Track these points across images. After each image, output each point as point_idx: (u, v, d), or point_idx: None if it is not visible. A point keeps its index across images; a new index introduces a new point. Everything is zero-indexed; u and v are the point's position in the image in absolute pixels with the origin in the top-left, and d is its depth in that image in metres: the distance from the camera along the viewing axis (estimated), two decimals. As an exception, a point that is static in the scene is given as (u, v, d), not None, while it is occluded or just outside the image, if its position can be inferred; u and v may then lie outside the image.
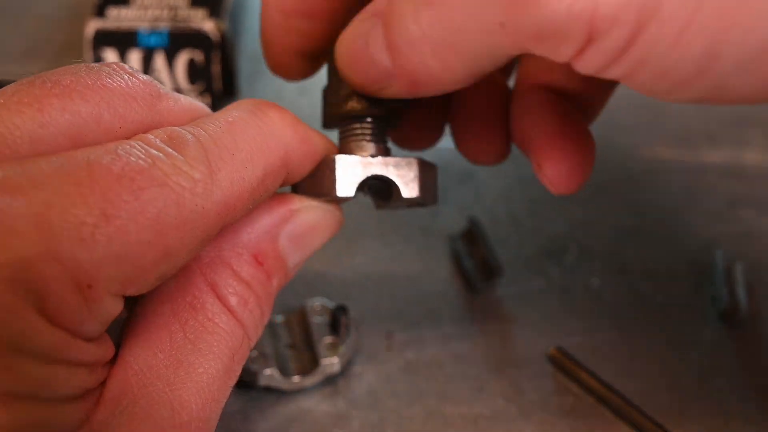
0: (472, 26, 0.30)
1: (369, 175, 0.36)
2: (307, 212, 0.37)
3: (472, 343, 0.45)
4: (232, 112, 0.34)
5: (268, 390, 0.42)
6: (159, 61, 0.54)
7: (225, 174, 0.31)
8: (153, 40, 0.54)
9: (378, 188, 0.38)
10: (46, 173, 0.27)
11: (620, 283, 0.48)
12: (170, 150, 0.30)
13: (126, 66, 0.32)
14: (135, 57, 0.54)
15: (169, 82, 0.54)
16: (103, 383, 0.30)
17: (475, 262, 0.49)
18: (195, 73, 0.54)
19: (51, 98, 0.30)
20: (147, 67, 0.54)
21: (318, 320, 0.44)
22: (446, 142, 0.57)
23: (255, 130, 0.33)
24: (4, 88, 0.30)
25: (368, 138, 0.38)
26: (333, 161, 0.36)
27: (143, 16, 0.54)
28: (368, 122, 0.38)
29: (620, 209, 0.52)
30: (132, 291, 0.29)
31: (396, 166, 0.37)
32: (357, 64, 0.35)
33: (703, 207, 0.52)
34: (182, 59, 0.54)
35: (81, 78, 0.31)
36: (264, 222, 0.36)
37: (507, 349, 0.45)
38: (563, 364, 0.43)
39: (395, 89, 0.35)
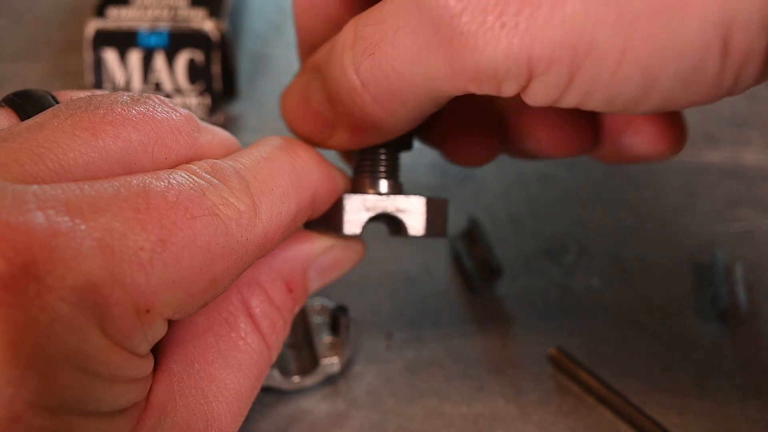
0: (412, 74, 0.31)
1: (375, 214, 0.37)
2: (337, 250, 0.38)
3: (472, 343, 0.45)
4: (264, 148, 0.35)
5: (268, 390, 0.42)
6: (159, 61, 0.54)
7: (266, 208, 0.32)
8: (153, 40, 0.54)
9: (389, 221, 0.39)
10: (104, 198, 0.27)
11: (620, 283, 0.48)
12: (216, 181, 0.31)
13: (167, 100, 0.33)
14: (135, 57, 0.54)
15: (169, 82, 0.54)
16: (148, 390, 0.31)
17: (475, 262, 0.49)
18: (195, 73, 0.54)
19: (105, 125, 0.30)
20: (147, 67, 0.54)
21: (318, 320, 0.44)
22: (446, 142, 0.57)
23: (289, 168, 0.35)
24: (56, 109, 0.31)
25: (381, 174, 0.39)
26: (341, 200, 0.37)
27: (143, 16, 0.54)
28: (382, 155, 0.39)
29: (620, 209, 0.52)
30: (179, 316, 0.30)
31: (403, 204, 0.38)
32: (300, 117, 0.37)
33: (703, 207, 0.52)
34: (182, 59, 0.54)
35: (132, 108, 0.31)
36: (299, 253, 0.37)
37: (507, 349, 0.45)
38: (563, 364, 0.43)
39: (338, 139, 0.36)
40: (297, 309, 0.38)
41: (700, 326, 0.46)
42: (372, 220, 0.38)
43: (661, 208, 0.52)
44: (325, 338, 0.43)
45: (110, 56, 0.54)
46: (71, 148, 0.29)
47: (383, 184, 0.39)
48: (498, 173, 0.54)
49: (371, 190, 0.39)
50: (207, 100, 0.55)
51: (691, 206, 0.52)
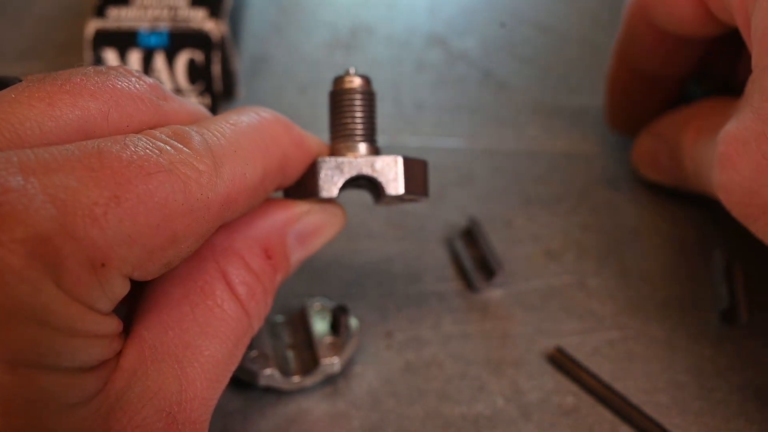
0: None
1: (351, 176, 0.38)
2: (315, 214, 0.38)
3: (472, 343, 0.45)
4: (232, 115, 0.36)
5: (268, 390, 0.42)
6: (159, 61, 0.54)
7: (228, 169, 0.32)
8: (153, 40, 0.54)
9: (369, 185, 0.39)
10: (57, 159, 0.28)
11: (620, 283, 0.48)
12: (175, 143, 0.31)
13: (133, 69, 0.34)
14: (135, 57, 0.54)
15: (169, 82, 0.54)
16: (118, 354, 0.31)
17: (474, 261, 0.49)
18: (195, 73, 0.54)
19: (62, 94, 0.31)
20: (147, 67, 0.54)
21: (318, 320, 0.44)
22: (447, 142, 0.57)
23: (255, 133, 0.35)
24: (16, 84, 0.31)
25: (358, 138, 0.39)
26: (316, 164, 0.37)
27: (143, 16, 0.54)
28: (359, 118, 0.39)
29: (620, 209, 0.52)
30: (139, 274, 0.30)
31: (379, 165, 0.38)
32: (647, 162, 0.52)
33: (702, 207, 0.52)
34: (182, 59, 0.54)
35: (91, 78, 0.32)
36: (275, 219, 0.37)
37: (507, 349, 0.45)
38: (563, 364, 0.43)
39: (672, 178, 0.51)
40: (279, 278, 0.37)
41: (700, 326, 0.46)
42: (349, 183, 0.38)
43: (660, 207, 0.52)
44: (325, 338, 0.43)
45: (110, 56, 0.54)
46: (27, 117, 0.30)
47: (360, 147, 0.39)
48: (497, 173, 0.54)
49: (348, 154, 0.39)
50: (207, 100, 0.55)
51: (690, 206, 0.52)
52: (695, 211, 0.52)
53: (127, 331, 0.33)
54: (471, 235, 0.50)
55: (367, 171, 0.38)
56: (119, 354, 0.31)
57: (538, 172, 0.54)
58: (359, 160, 0.38)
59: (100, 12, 0.55)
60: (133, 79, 0.33)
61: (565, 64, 0.61)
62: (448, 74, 0.61)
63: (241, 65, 0.60)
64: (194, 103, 0.37)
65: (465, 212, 0.51)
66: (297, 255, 0.38)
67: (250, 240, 0.36)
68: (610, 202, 0.52)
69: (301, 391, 0.43)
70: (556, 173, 0.54)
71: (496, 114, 0.58)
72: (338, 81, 0.40)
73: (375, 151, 0.40)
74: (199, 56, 0.54)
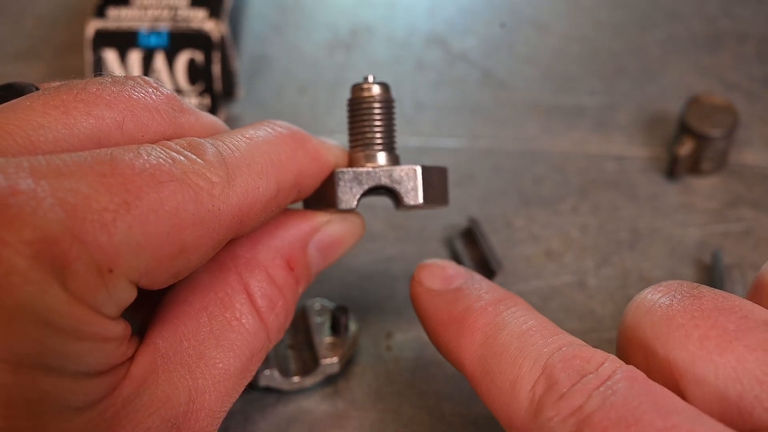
0: None
1: (369, 187, 0.38)
2: (335, 224, 0.39)
3: (472, 343, 0.45)
4: (248, 130, 0.36)
5: (268, 390, 0.42)
6: (159, 61, 0.54)
7: (241, 181, 0.32)
8: (153, 41, 0.54)
9: (389, 193, 0.39)
10: (69, 164, 0.28)
11: (620, 283, 0.48)
12: (190, 153, 0.31)
13: (151, 80, 0.34)
14: (135, 57, 0.54)
15: (169, 82, 0.54)
16: (130, 360, 0.31)
17: (474, 262, 0.49)
18: (195, 73, 0.54)
19: (77, 103, 0.31)
20: (147, 67, 0.54)
21: (318, 320, 0.44)
22: (447, 142, 0.57)
23: (269, 147, 0.35)
24: (32, 93, 0.32)
25: (377, 147, 0.39)
26: (334, 175, 0.37)
27: (143, 16, 0.54)
28: (377, 129, 0.39)
29: (619, 209, 0.52)
30: (147, 282, 0.30)
31: (397, 175, 0.38)
32: None
33: (703, 207, 0.52)
34: (182, 59, 0.54)
35: (106, 87, 0.32)
36: (297, 230, 0.38)
37: (507, 349, 0.45)
38: (563, 364, 0.43)
39: None
40: (300, 289, 0.38)
41: (700, 326, 0.46)
42: (368, 193, 0.38)
43: (660, 207, 0.52)
44: (325, 338, 0.43)
45: (110, 56, 0.54)
46: (41, 125, 0.30)
47: (379, 157, 0.39)
48: (497, 173, 0.54)
49: (367, 164, 0.39)
50: (207, 101, 0.55)
51: (691, 206, 0.52)
52: (695, 212, 0.52)
53: (142, 337, 0.33)
54: (471, 235, 0.50)
55: (385, 182, 0.38)
56: (131, 360, 0.31)
57: (538, 172, 0.54)
58: (377, 170, 0.38)
59: (100, 12, 0.55)
60: (150, 89, 0.33)
61: (565, 64, 0.61)
62: (448, 74, 0.61)
63: (241, 65, 0.60)
64: (211, 115, 0.37)
65: (465, 212, 0.51)
66: (318, 266, 0.38)
67: (273, 251, 0.36)
68: (610, 202, 0.52)
69: (301, 391, 0.43)
70: (556, 173, 0.54)
71: (496, 114, 0.58)
72: (356, 88, 0.40)
73: (394, 159, 0.39)
74: (199, 56, 0.54)
